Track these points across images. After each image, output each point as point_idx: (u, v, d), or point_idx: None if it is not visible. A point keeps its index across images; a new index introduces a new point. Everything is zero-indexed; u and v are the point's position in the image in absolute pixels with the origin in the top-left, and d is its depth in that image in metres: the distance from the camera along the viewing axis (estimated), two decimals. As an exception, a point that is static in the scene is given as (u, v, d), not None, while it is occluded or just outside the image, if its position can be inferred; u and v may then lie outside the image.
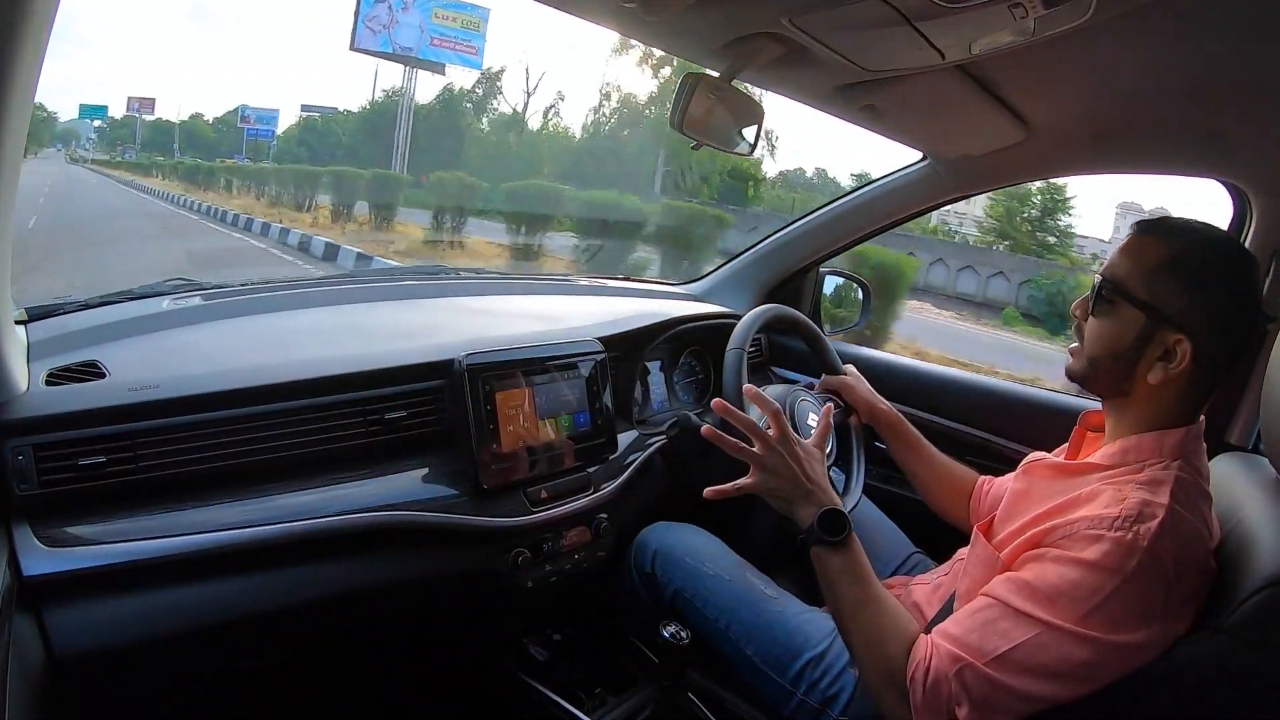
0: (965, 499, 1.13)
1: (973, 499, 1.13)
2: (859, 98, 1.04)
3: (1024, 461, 0.96)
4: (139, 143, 46.33)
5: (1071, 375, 0.87)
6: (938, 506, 1.18)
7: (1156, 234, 0.81)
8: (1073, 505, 0.77)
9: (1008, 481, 1.01)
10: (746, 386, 0.99)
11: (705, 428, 0.95)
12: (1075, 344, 0.87)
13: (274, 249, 11.24)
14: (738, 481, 0.93)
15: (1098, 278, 0.82)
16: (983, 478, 1.14)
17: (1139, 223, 0.84)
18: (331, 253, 9.92)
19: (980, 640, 0.73)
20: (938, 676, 0.74)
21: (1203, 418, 0.82)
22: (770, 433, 0.92)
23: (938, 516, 1.19)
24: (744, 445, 0.92)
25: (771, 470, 0.91)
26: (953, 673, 0.73)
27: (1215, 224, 0.85)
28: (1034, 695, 0.71)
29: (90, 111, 45.19)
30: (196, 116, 53.72)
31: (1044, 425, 1.10)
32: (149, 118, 45.92)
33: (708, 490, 0.94)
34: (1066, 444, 0.95)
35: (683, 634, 0.98)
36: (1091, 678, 0.70)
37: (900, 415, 1.23)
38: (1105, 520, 0.71)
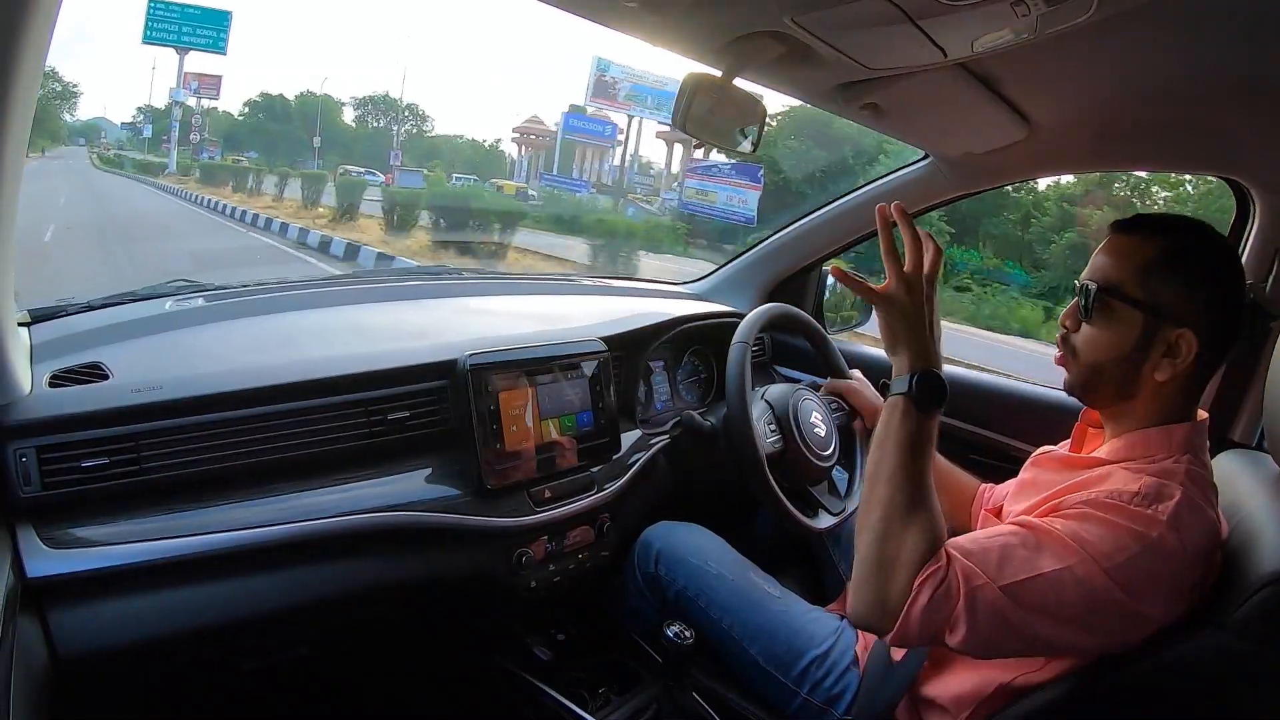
0: (967, 505, 1.13)
1: (974, 505, 1.12)
2: (861, 96, 1.04)
3: (1034, 454, 0.96)
4: (207, 136, 30.50)
5: (1071, 389, 0.85)
6: None
7: (1140, 232, 0.81)
8: (1086, 485, 0.77)
9: (1008, 487, 1.01)
10: (834, 267, 0.87)
11: (834, 266, 0.85)
12: (1059, 356, 0.86)
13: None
14: (870, 284, 0.83)
15: (1087, 283, 0.81)
16: (983, 485, 1.13)
17: (1117, 223, 0.83)
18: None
19: (999, 561, 0.70)
20: (950, 590, 0.70)
21: (1206, 413, 0.82)
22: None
23: None
24: (896, 251, 0.81)
25: (909, 289, 0.80)
26: (964, 590, 0.69)
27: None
28: (1036, 635, 0.70)
29: (183, 24, 22.22)
30: (306, 97, 38.41)
31: (1048, 423, 1.10)
32: (212, 102, 29.48)
33: (831, 265, 0.84)
34: (1069, 440, 0.95)
35: (686, 634, 0.98)
36: (1097, 629, 0.70)
37: None
38: (1125, 494, 0.72)
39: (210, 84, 28.86)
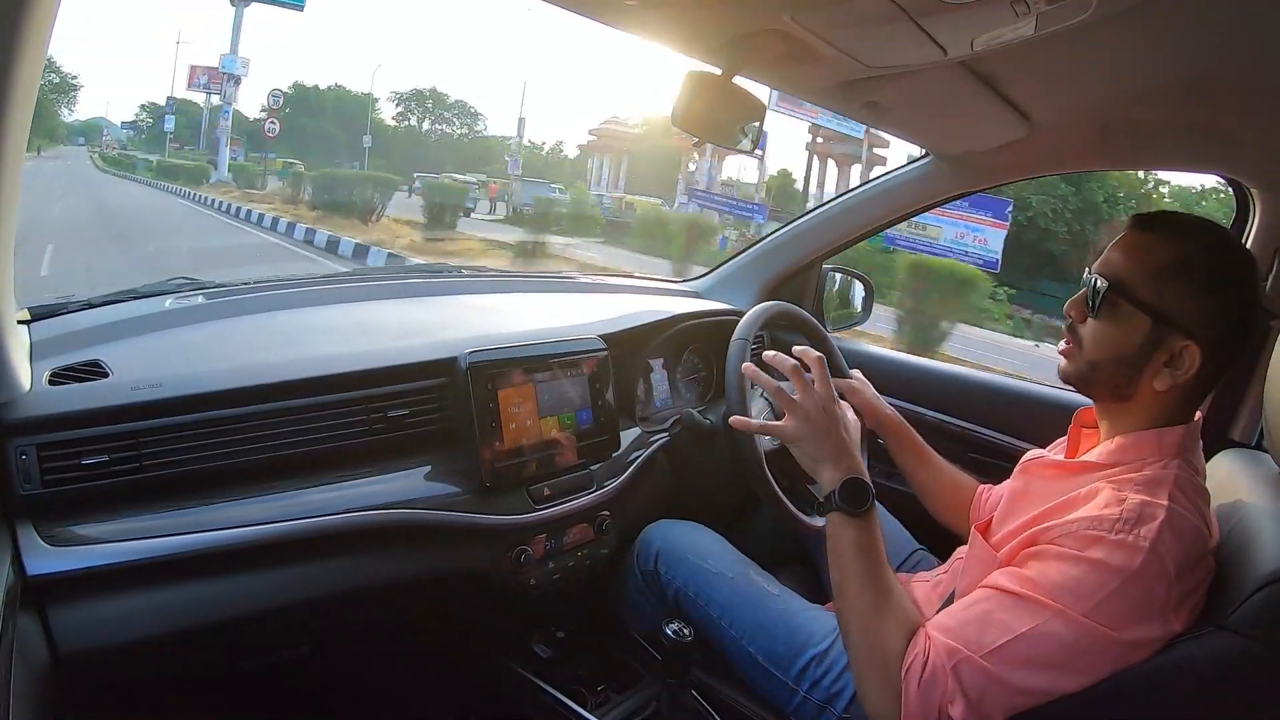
0: (965, 506, 1.13)
1: (972, 506, 1.12)
2: (861, 94, 1.04)
3: (1022, 460, 0.95)
4: (235, 134, 23.29)
5: (1067, 377, 0.85)
6: (937, 513, 1.18)
7: (1158, 231, 0.79)
8: (1070, 505, 0.76)
9: (1002, 491, 1.01)
10: (746, 365, 0.98)
11: (746, 365, 0.97)
12: (1066, 345, 0.85)
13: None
14: (770, 422, 0.94)
15: (1097, 278, 0.80)
16: (982, 486, 1.13)
17: (1137, 218, 0.82)
18: None
19: (979, 632, 0.72)
20: (935, 671, 0.71)
21: (1200, 414, 0.82)
22: (813, 382, 0.91)
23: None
24: (781, 388, 0.91)
25: (806, 418, 0.89)
26: (950, 667, 0.71)
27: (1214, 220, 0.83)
28: (1031, 689, 0.70)
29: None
30: (338, 91, 32.85)
31: (1048, 421, 1.10)
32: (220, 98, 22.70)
33: (734, 419, 0.96)
34: (1063, 441, 0.95)
35: (686, 632, 0.98)
36: (1089, 669, 0.70)
37: (904, 421, 1.22)
38: (1105, 522, 0.71)
39: (221, 79, 22.95)
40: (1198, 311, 0.75)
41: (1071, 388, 0.86)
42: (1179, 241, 0.77)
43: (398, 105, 36.43)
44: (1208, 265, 0.76)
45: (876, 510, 0.85)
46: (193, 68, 25.40)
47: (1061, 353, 0.85)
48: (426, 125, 37.21)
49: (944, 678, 0.71)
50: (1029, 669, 0.70)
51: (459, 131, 37.99)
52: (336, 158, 27.78)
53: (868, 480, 0.86)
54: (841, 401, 0.93)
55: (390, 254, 9.30)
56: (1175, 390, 0.77)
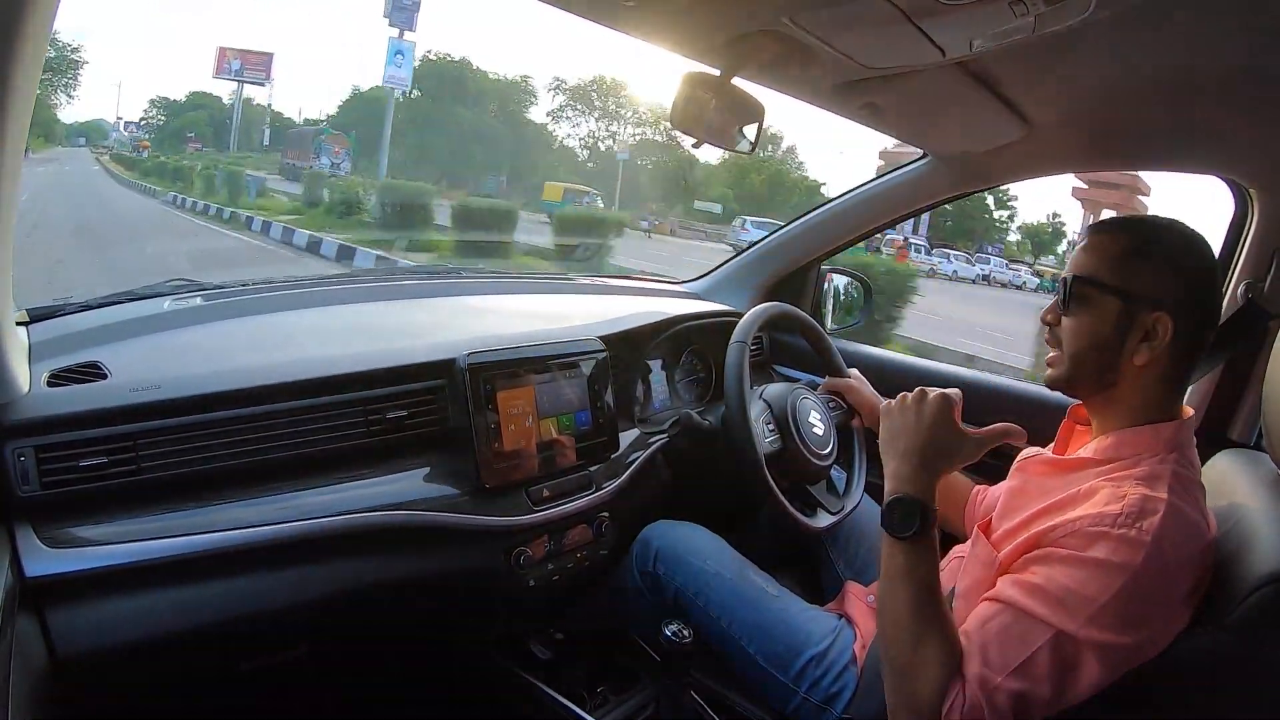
0: (962, 505, 1.14)
1: (968, 506, 1.13)
2: (859, 95, 1.04)
3: (1018, 458, 0.96)
4: (326, 128, 18.64)
5: (1054, 383, 0.87)
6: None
7: (1112, 230, 0.85)
8: (1070, 503, 0.76)
9: (999, 491, 1.02)
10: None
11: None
12: (1052, 353, 0.87)
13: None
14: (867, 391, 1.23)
15: (1066, 278, 0.84)
16: (977, 487, 1.14)
17: (1092, 225, 0.87)
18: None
19: (1000, 652, 0.72)
20: (972, 706, 0.71)
21: (1191, 410, 0.83)
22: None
23: None
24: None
25: (901, 406, 0.91)
26: (985, 698, 0.71)
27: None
28: (1053, 701, 0.71)
29: None
30: (465, 73, 21.00)
31: (1045, 422, 1.10)
32: (257, 87, 19.96)
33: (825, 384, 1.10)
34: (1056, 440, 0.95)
35: (685, 633, 0.98)
36: (1106, 677, 0.70)
37: None
38: (1107, 518, 0.71)
39: (257, 64, 20.02)
40: (1159, 283, 0.79)
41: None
42: (1130, 232, 0.84)
43: (557, 96, 25.46)
44: (1162, 245, 0.81)
45: (932, 539, 0.81)
46: (221, 49, 20.13)
47: (1048, 361, 0.88)
48: (588, 127, 25.78)
49: (982, 708, 0.71)
50: (1049, 681, 0.70)
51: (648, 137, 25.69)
52: (502, 175, 19.12)
53: (925, 503, 0.82)
54: (965, 431, 0.90)
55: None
56: (1157, 369, 0.80)
